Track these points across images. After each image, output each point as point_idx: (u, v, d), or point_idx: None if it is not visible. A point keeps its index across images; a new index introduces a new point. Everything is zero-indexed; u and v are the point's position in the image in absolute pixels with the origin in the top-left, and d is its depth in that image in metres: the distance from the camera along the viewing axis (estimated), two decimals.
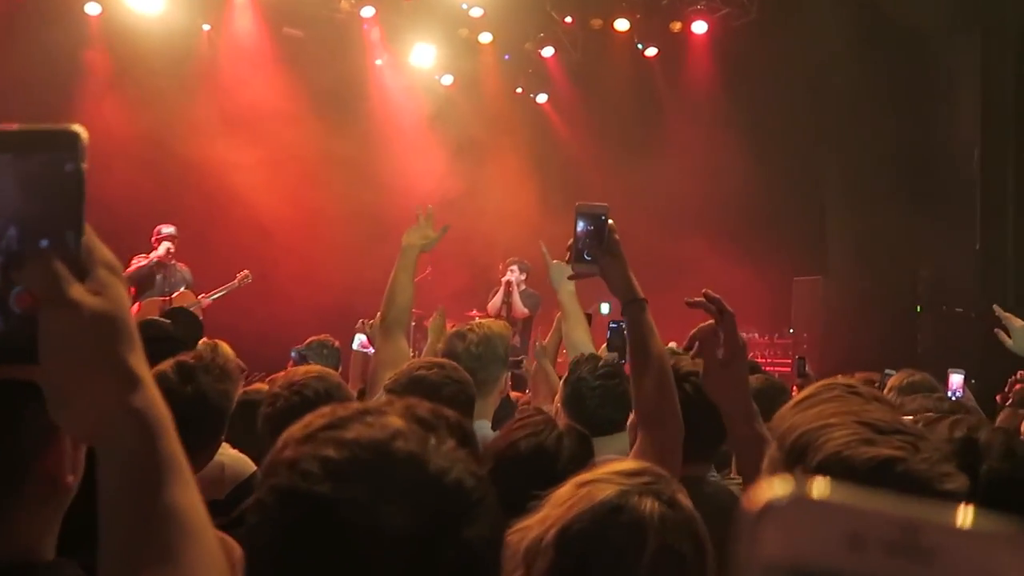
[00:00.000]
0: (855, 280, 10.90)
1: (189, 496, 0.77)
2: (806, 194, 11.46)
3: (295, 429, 0.90)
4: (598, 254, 1.97)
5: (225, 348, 4.53)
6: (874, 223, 10.58)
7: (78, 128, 0.74)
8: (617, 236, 2.00)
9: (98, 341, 0.73)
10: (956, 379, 4.37)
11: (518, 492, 1.24)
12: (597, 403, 2.52)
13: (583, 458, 1.80)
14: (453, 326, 4.39)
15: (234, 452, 2.69)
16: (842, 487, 0.39)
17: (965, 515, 0.38)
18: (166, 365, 2.20)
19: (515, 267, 8.60)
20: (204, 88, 10.18)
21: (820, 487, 0.39)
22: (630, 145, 11.63)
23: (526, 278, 8.67)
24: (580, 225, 1.96)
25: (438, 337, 4.24)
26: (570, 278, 2.09)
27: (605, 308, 11.07)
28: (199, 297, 8.15)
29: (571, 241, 1.99)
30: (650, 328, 1.99)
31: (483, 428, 2.61)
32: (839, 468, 1.06)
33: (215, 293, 8.33)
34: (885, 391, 3.93)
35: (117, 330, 0.74)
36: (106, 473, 0.75)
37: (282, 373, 3.98)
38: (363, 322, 5.89)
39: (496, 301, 8.50)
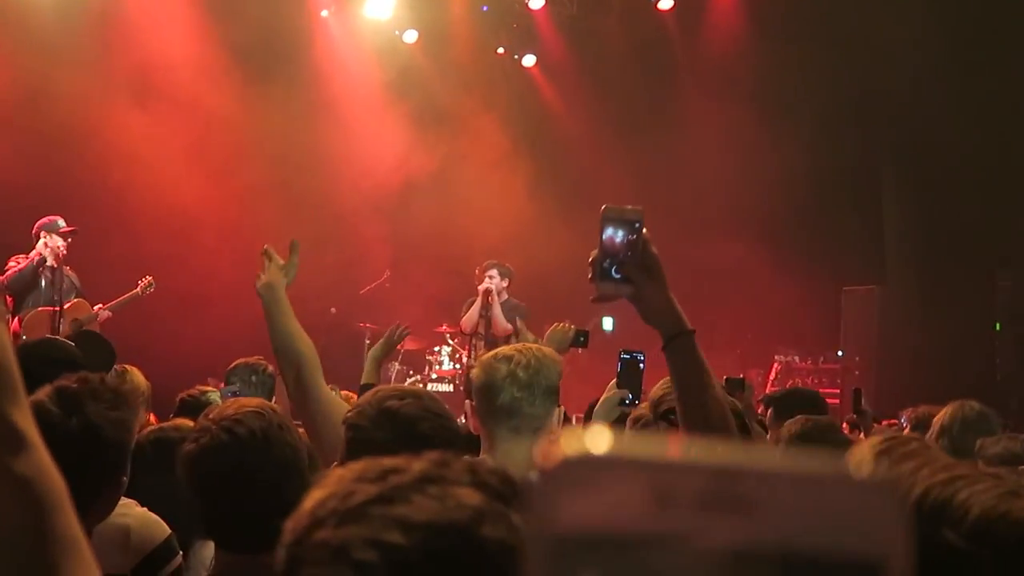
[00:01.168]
0: (918, 290, 10.94)
1: None
2: (858, 185, 11.51)
3: (328, 497, 0.83)
4: (632, 272, 1.92)
5: (137, 376, 4.43)
6: (941, 220, 10.61)
7: None
8: (655, 250, 1.94)
9: None
10: None
11: None
12: None
13: None
14: (400, 347, 4.35)
15: (141, 511, 2.65)
16: (642, 439, 0.43)
17: (783, 458, 0.42)
18: (43, 394, 2.19)
19: (494, 272, 8.54)
20: (102, 41, 10.04)
21: (616, 441, 0.42)
22: (638, 122, 11.63)
23: (508, 285, 8.60)
24: (607, 235, 1.93)
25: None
26: (594, 301, 2.01)
27: (608, 323, 11.05)
28: (95, 308, 8.03)
29: (594, 254, 1.94)
30: (702, 364, 1.96)
31: None
32: (1003, 526, 1.19)
33: (114, 304, 8.21)
34: (930, 435, 3.87)
35: None
36: None
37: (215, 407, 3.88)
38: None
39: (472, 314, 8.42)
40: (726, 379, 6.39)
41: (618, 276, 1.93)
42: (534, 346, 2.83)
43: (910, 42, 10.45)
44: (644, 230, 1.95)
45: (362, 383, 4.15)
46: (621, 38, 11.96)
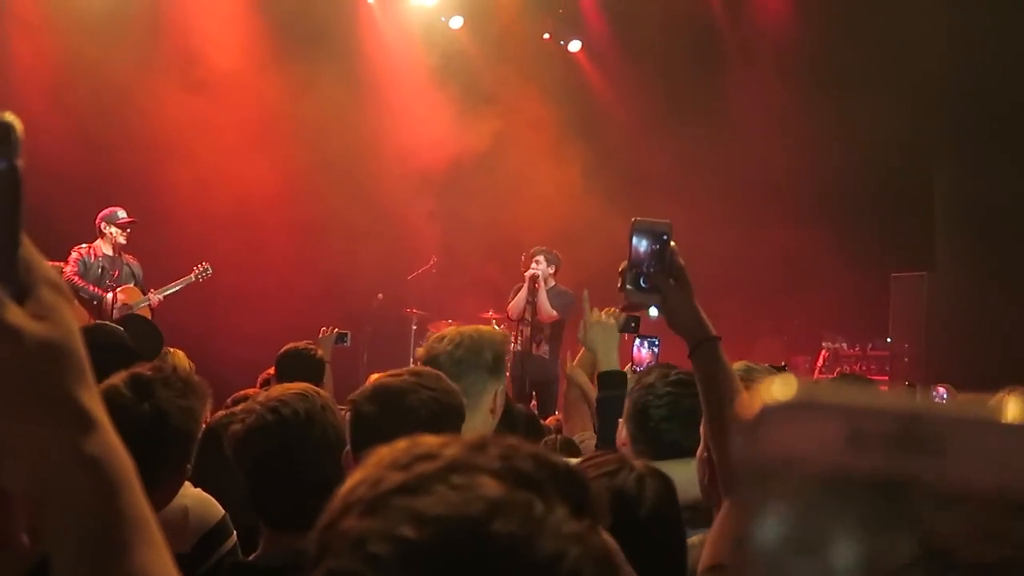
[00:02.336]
0: (968, 276, 10.75)
1: (159, 561, 0.79)
2: (908, 165, 11.31)
3: (360, 483, 0.85)
4: (660, 282, 2.00)
5: (180, 357, 4.50)
6: (993, 205, 10.42)
7: (11, 117, 0.75)
8: (682, 261, 2.02)
9: (43, 376, 0.75)
10: None
11: None
12: (663, 415, 2.77)
13: (668, 504, 1.88)
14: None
15: (197, 492, 2.71)
16: (836, 387, 0.47)
17: (971, 407, 0.46)
18: (118, 379, 2.26)
19: (541, 258, 8.53)
20: (153, 29, 10.15)
21: (814, 389, 0.47)
22: (685, 107, 11.54)
23: (555, 272, 8.59)
24: (637, 245, 2.01)
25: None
26: (623, 310, 2.10)
27: (654, 311, 11.02)
28: (148, 293, 8.15)
29: (623, 264, 2.03)
30: (728, 372, 2.00)
31: None
32: None
33: (167, 289, 8.31)
34: None
35: (66, 362, 0.77)
36: (57, 536, 0.77)
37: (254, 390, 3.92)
38: (326, 330, 5.88)
39: (519, 301, 8.42)
40: (767, 366, 6.36)
41: (646, 286, 2.00)
42: (477, 326, 3.02)
43: (965, 17, 10.24)
44: (672, 242, 2.02)
45: None
46: (667, 22, 11.86)
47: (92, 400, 0.78)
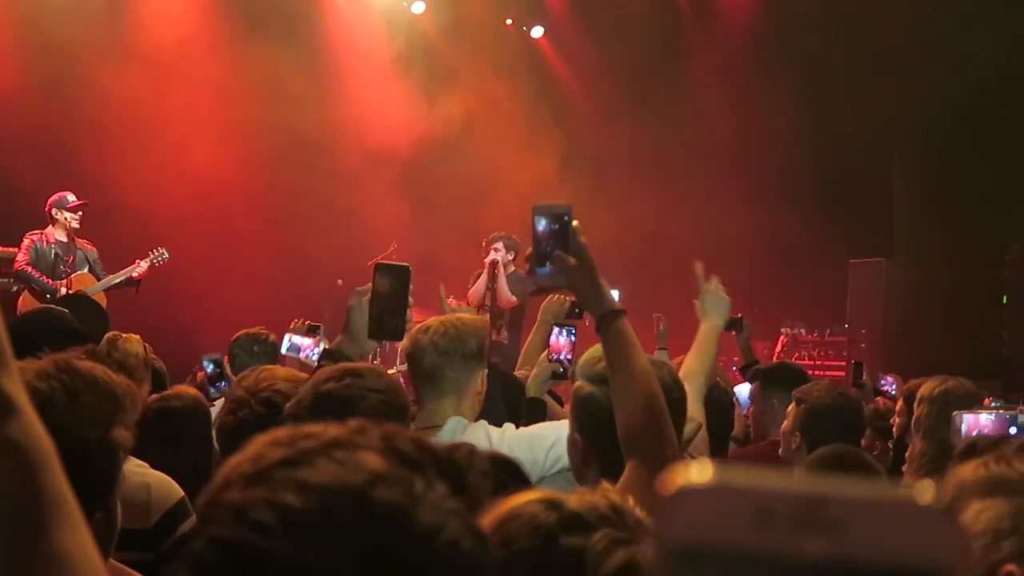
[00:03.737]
0: (926, 263, 10.93)
1: (79, 540, 0.81)
2: (867, 153, 11.46)
3: (242, 461, 0.87)
4: (562, 263, 2.12)
5: (132, 343, 4.47)
6: (952, 190, 10.58)
7: None
8: (584, 239, 2.13)
9: None
10: None
11: None
12: None
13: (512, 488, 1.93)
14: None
15: (157, 472, 2.76)
16: (748, 471, 0.49)
17: (872, 487, 0.48)
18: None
19: (500, 244, 8.54)
20: (111, 11, 10.03)
21: (725, 472, 0.49)
22: (649, 92, 11.61)
23: (515, 258, 8.63)
24: (540, 229, 2.14)
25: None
26: (533, 294, 2.22)
27: (615, 295, 11.10)
28: (134, 264, 8.09)
29: (530, 250, 2.16)
30: (631, 342, 2.12)
31: (458, 424, 2.83)
32: None
33: (119, 276, 8.21)
34: (916, 404, 3.72)
35: None
36: None
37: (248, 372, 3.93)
38: (297, 323, 5.91)
39: (479, 287, 8.43)
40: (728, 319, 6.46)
41: (550, 267, 2.12)
42: (455, 315, 3.10)
43: (926, 5, 10.34)
44: (574, 222, 2.14)
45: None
46: (630, 7, 11.89)
47: (13, 385, 0.80)
